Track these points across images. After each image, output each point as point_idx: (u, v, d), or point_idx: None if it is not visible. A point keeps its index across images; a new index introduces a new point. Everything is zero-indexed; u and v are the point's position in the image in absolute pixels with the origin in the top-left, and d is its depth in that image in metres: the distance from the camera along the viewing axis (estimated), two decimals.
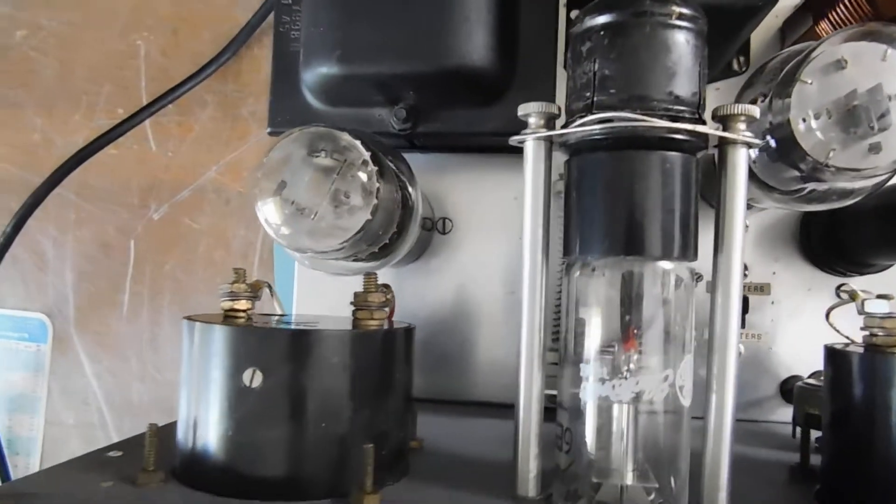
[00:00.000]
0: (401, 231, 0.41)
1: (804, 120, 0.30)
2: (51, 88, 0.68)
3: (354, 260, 0.41)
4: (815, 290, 0.48)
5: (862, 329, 0.30)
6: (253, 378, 0.28)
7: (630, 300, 0.28)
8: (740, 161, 0.28)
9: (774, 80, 0.34)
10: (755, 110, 0.28)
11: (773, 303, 0.48)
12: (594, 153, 0.28)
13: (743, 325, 0.47)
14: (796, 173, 0.33)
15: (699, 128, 0.26)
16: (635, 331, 0.27)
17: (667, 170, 0.27)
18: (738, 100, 0.38)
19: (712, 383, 0.29)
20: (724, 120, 0.28)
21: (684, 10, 0.27)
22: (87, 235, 0.67)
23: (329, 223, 0.34)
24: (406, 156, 0.44)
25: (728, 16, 0.37)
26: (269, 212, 0.34)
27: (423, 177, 0.50)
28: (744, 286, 0.48)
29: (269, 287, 0.38)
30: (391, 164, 0.39)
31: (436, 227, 0.51)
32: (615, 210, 0.27)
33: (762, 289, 0.48)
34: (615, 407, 0.27)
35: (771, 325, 0.48)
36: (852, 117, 0.30)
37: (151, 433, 0.29)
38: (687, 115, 0.27)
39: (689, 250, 0.28)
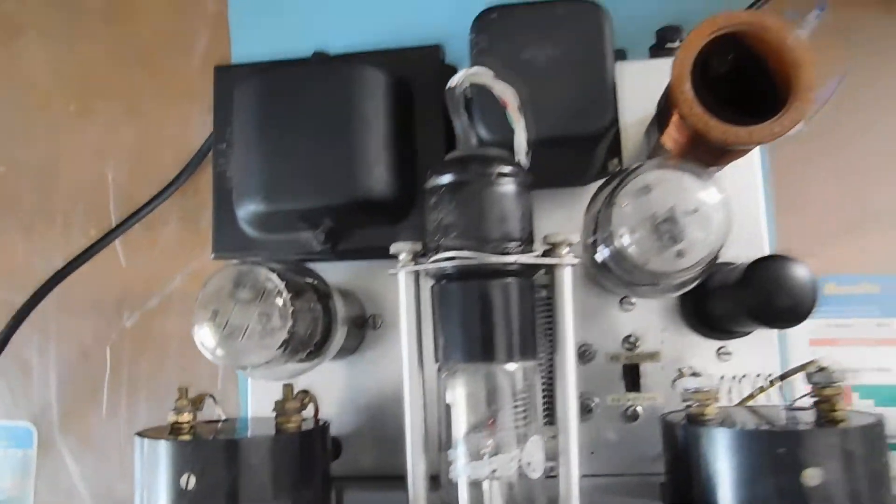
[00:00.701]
0: (327, 336, 0.48)
1: (622, 235, 0.38)
2: (30, 215, 0.76)
3: (294, 363, 0.48)
4: (699, 354, 0.55)
5: (684, 401, 0.37)
6: (188, 482, 0.35)
7: (485, 395, 0.35)
8: (565, 279, 0.36)
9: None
10: (574, 237, 0.36)
11: (663, 368, 0.55)
12: (448, 282, 0.35)
13: (639, 389, 0.54)
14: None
15: (521, 258, 0.34)
16: (490, 420, 0.34)
17: (505, 292, 0.35)
18: (594, 199, 0.45)
19: (559, 457, 0.36)
20: (552, 245, 0.36)
21: (504, 170, 0.35)
22: (67, 345, 0.74)
23: (255, 342, 0.41)
24: (336, 263, 0.52)
25: (573, 143, 0.44)
26: (204, 336, 0.42)
27: (354, 279, 0.57)
28: (636, 355, 0.55)
29: (212, 397, 0.45)
30: (311, 282, 0.47)
31: (368, 324, 0.58)
32: (467, 327, 0.35)
33: (653, 356, 0.55)
34: (479, 483, 0.34)
35: (664, 387, 0.55)
36: (659, 231, 0.38)
37: None
38: (513, 249, 0.34)
39: (529, 352, 0.35)
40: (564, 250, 0.35)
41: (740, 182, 0.55)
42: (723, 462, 0.32)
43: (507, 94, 0.39)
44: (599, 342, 0.53)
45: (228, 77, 0.55)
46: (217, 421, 0.45)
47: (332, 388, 0.56)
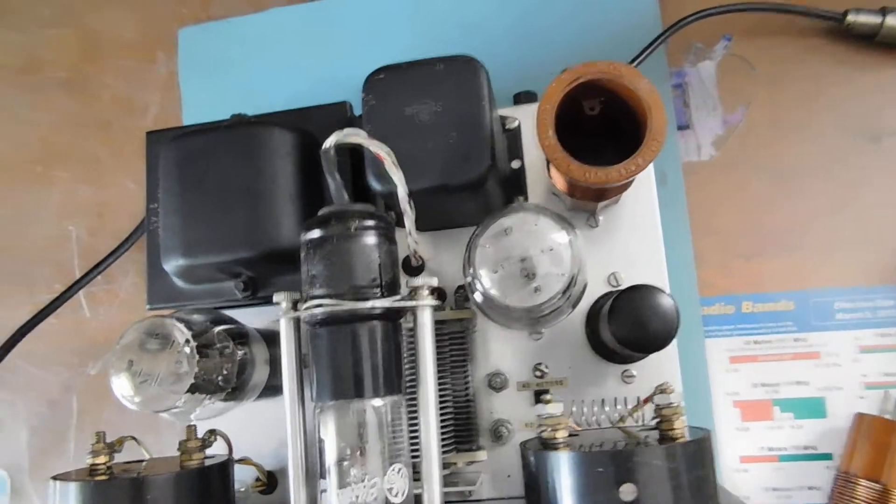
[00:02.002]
0: (245, 377, 0.52)
1: (483, 275, 0.42)
2: None
3: (215, 404, 0.52)
4: (604, 377, 0.58)
5: (537, 427, 0.40)
6: None
7: (352, 429, 0.38)
8: (425, 319, 0.39)
9: None
10: (434, 280, 0.40)
11: (572, 393, 0.58)
12: (319, 328, 0.39)
13: None
14: None
15: (378, 303, 0.38)
16: (358, 451, 0.38)
17: (370, 335, 0.38)
18: (475, 233, 0.48)
19: (423, 484, 0.39)
20: (414, 290, 0.39)
21: (363, 224, 0.38)
22: (35, 396, 0.79)
23: (166, 388, 0.45)
24: (266, 307, 0.56)
25: (455, 190, 0.48)
26: (121, 385, 0.45)
27: None
28: (545, 381, 0.58)
29: (135, 439, 0.49)
30: (228, 329, 0.51)
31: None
32: (335, 367, 0.38)
33: (561, 382, 0.58)
34: None
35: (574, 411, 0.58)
36: (517, 270, 0.41)
37: None
38: (372, 295, 0.38)
39: (393, 387, 0.39)
40: (425, 292, 0.39)
41: (639, 211, 0.58)
42: (558, 482, 0.36)
43: (380, 151, 0.43)
44: (510, 371, 0.57)
45: (159, 141, 0.60)
46: (141, 461, 0.48)
47: (268, 425, 0.60)
